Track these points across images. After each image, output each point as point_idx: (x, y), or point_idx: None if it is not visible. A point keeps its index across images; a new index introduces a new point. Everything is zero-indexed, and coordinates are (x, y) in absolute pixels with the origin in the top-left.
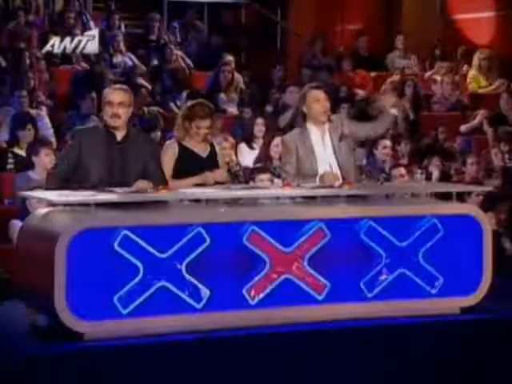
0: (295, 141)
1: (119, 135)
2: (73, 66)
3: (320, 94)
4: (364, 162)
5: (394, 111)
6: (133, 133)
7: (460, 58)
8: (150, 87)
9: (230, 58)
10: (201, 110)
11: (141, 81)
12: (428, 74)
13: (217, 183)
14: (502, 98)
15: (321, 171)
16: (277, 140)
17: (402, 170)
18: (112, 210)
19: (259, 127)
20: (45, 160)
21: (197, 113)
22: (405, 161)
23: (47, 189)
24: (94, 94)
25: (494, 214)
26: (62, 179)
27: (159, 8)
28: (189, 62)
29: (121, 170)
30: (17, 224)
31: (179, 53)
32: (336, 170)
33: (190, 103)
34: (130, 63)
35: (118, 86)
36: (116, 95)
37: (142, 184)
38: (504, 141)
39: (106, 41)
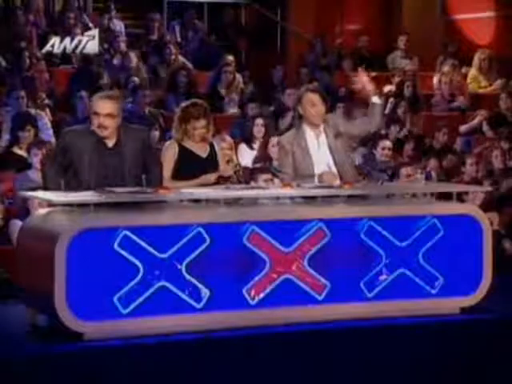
0: (291, 142)
1: (110, 142)
2: (73, 65)
3: (315, 98)
4: (361, 161)
5: (376, 99)
6: (124, 137)
7: (460, 58)
8: (149, 87)
9: (230, 58)
10: (195, 111)
11: (141, 80)
12: (428, 74)
13: (221, 177)
14: (501, 98)
15: (317, 171)
16: (274, 140)
17: (409, 170)
18: (112, 210)
19: (259, 128)
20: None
21: (191, 114)
22: (405, 161)
23: (45, 187)
24: (83, 93)
25: (499, 215)
26: (56, 173)
27: (159, 8)
28: (188, 62)
29: (115, 175)
30: (17, 224)
31: (179, 53)
32: (333, 169)
33: (184, 104)
34: (129, 63)
35: (105, 94)
36: (103, 106)
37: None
38: (505, 139)
39: (106, 41)
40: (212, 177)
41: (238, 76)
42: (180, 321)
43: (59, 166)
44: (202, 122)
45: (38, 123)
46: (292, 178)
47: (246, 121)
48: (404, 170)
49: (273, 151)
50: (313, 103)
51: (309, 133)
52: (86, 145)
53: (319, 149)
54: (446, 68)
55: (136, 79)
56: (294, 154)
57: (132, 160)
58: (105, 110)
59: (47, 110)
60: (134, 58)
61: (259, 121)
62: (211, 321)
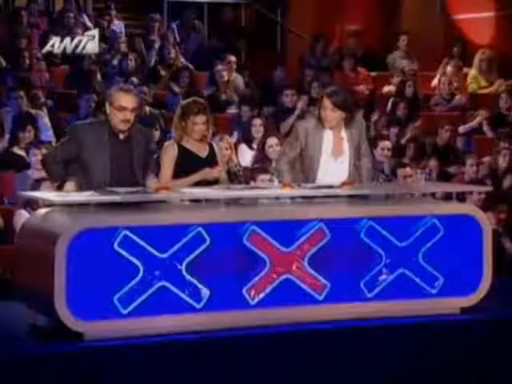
0: (306, 129)
1: (122, 135)
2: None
3: (326, 103)
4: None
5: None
6: (132, 130)
7: (460, 58)
8: (149, 87)
9: (229, 58)
10: (194, 107)
11: (140, 81)
12: (428, 74)
13: (215, 180)
14: (501, 98)
15: (323, 173)
16: (271, 141)
17: (408, 171)
18: (112, 209)
19: (257, 128)
20: None
21: (191, 109)
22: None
23: (47, 173)
24: (90, 95)
25: (494, 214)
26: (57, 163)
27: (159, 8)
28: (188, 62)
29: (127, 167)
30: (22, 214)
31: (179, 53)
32: (344, 175)
33: (184, 102)
34: (129, 63)
35: (127, 87)
36: (130, 101)
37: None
38: (504, 139)
39: (106, 41)
40: (211, 172)
41: (237, 76)
42: (180, 321)
43: (61, 159)
44: (202, 118)
45: (38, 123)
46: (288, 171)
47: (242, 121)
48: (402, 171)
49: (270, 152)
50: (324, 107)
51: (327, 135)
52: (101, 139)
53: (338, 155)
54: (448, 68)
55: (135, 79)
56: (307, 139)
57: (139, 152)
58: (132, 104)
59: (47, 110)
60: (134, 57)
61: (257, 121)
62: (211, 321)
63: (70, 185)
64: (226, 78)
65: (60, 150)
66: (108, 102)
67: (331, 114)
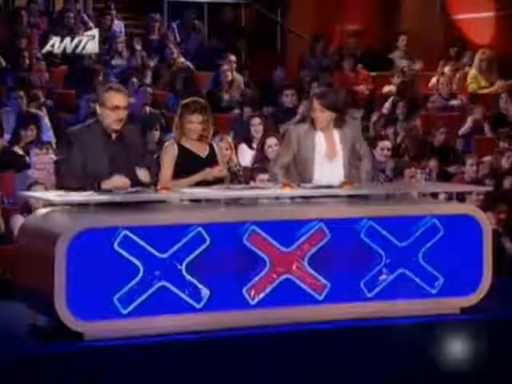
0: (299, 135)
1: (114, 135)
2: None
3: (315, 104)
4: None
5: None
6: (124, 130)
7: (460, 58)
8: (149, 87)
9: (230, 58)
10: (192, 106)
11: (141, 81)
12: (428, 74)
13: (217, 180)
14: (501, 98)
15: (318, 176)
16: (270, 141)
17: (414, 171)
18: (112, 209)
19: (256, 127)
20: (42, 160)
21: (188, 108)
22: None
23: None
24: (90, 96)
25: (494, 214)
26: (75, 176)
27: (159, 8)
28: (189, 62)
29: (127, 167)
30: (19, 219)
31: (179, 53)
32: (340, 175)
33: (183, 101)
34: (129, 63)
35: (118, 87)
36: (122, 99)
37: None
38: (504, 139)
39: (105, 41)
40: (212, 172)
41: (238, 76)
42: (180, 321)
43: (76, 168)
44: (198, 117)
45: (40, 123)
46: (283, 174)
47: (243, 121)
48: (408, 172)
49: (269, 152)
50: (313, 109)
51: (319, 138)
52: (97, 141)
53: (332, 157)
54: (446, 69)
55: (135, 80)
56: (299, 145)
57: (138, 153)
58: (124, 102)
59: (47, 110)
60: (134, 58)
61: (256, 120)
62: (211, 321)
63: (117, 177)
64: (229, 78)
65: (71, 161)
66: (99, 103)
67: (321, 114)
